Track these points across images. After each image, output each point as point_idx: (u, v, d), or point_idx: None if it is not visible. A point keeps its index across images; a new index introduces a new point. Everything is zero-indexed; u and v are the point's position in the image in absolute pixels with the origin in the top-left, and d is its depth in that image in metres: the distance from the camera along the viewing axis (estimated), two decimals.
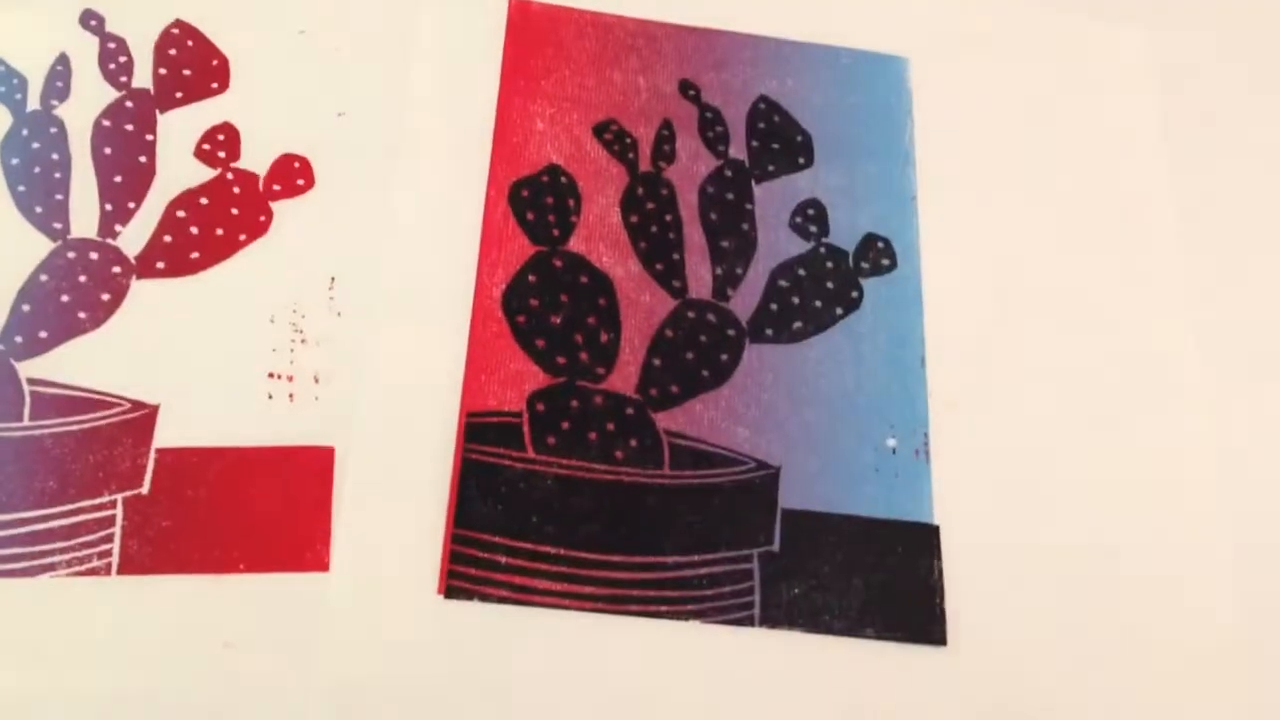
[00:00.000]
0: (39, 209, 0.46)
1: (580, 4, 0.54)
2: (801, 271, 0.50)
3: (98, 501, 0.41)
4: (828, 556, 0.44)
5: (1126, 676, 0.44)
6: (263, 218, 0.47)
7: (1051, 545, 0.45)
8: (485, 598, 0.42)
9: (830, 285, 0.50)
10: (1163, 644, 0.44)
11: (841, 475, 0.46)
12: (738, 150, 0.52)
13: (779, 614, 0.43)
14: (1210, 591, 0.45)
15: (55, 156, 0.47)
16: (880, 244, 0.51)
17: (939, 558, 0.45)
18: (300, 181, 0.48)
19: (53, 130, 0.47)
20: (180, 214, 0.47)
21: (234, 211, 0.47)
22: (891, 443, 0.47)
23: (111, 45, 0.49)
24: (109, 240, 0.46)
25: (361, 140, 0.49)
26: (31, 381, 0.43)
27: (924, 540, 0.45)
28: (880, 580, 0.44)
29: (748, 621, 0.43)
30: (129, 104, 0.48)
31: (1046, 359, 0.49)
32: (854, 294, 0.50)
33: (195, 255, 0.46)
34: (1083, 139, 0.54)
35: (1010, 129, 0.54)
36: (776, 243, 0.50)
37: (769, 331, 0.48)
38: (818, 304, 0.49)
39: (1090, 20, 0.57)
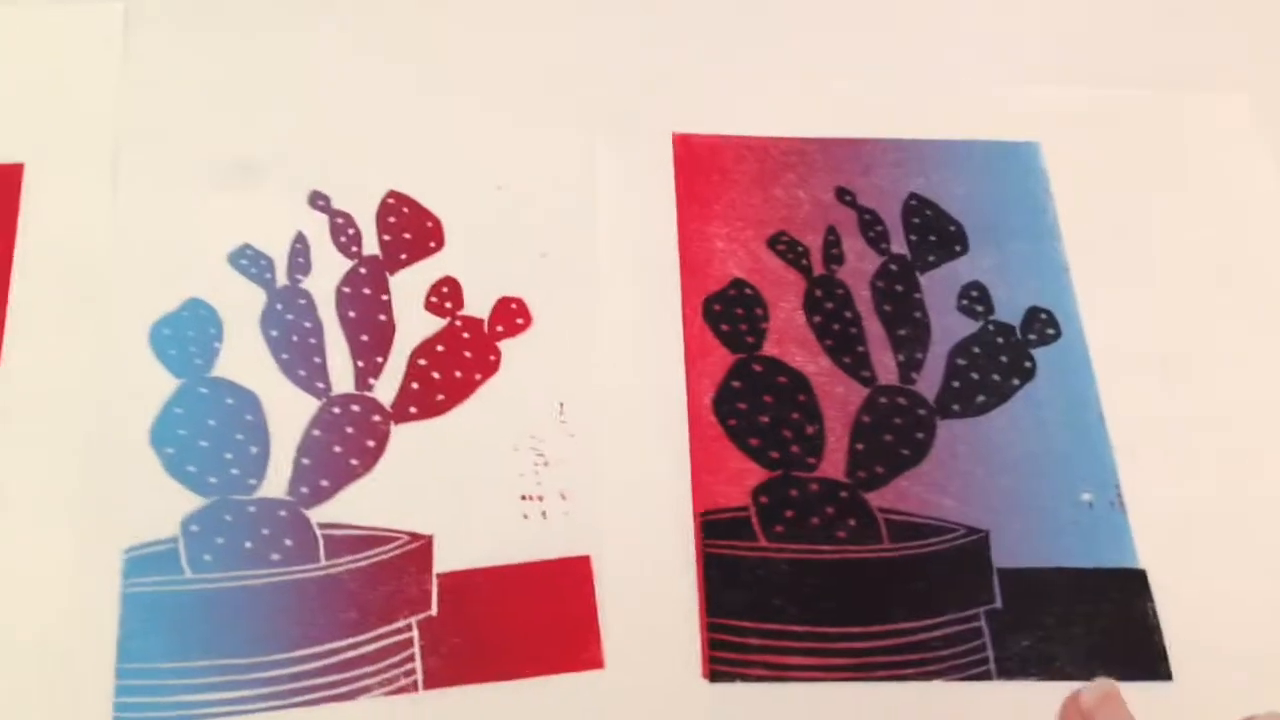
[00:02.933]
0: (302, 372, 0.52)
1: (734, 131, 0.60)
2: (976, 349, 0.54)
3: (395, 626, 0.47)
4: (1048, 608, 0.48)
5: None
6: (492, 357, 0.53)
7: (1254, 571, 0.49)
8: (745, 678, 0.47)
9: (1004, 359, 0.54)
10: None
11: (1045, 532, 0.50)
12: (898, 246, 0.57)
13: (1014, 665, 0.47)
14: None
15: (308, 324, 0.53)
16: (1043, 315, 0.55)
17: (1152, 599, 0.49)
18: (519, 320, 0.54)
19: (301, 301, 0.54)
20: (422, 362, 0.53)
21: (467, 354, 0.53)
22: (1086, 497, 0.51)
23: (339, 220, 0.56)
24: (366, 393, 0.52)
25: (565, 276, 0.55)
26: (322, 526, 0.49)
27: (1134, 584, 0.49)
28: (1101, 625, 0.48)
29: (985, 675, 0.47)
30: (363, 270, 0.55)
31: (1215, 401, 0.53)
32: (1027, 364, 0.54)
33: (441, 397, 0.52)
34: (1206, 194, 0.59)
35: (1143, 195, 0.59)
36: (948, 325, 0.55)
37: (955, 407, 0.53)
38: (995, 377, 0.54)
39: (1196, 91, 0.61)
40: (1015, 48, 0.63)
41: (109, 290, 0.53)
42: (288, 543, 0.48)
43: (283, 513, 0.49)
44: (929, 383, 0.54)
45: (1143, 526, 0.50)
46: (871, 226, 0.57)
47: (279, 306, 0.53)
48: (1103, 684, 0.36)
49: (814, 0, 0.63)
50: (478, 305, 0.54)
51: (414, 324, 0.54)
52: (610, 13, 0.62)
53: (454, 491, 0.50)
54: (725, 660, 0.47)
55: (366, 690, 0.46)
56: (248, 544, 0.48)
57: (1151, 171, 0.59)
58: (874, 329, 0.55)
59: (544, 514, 0.49)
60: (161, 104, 0.58)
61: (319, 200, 0.56)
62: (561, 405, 0.52)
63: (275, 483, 0.49)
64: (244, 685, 0.45)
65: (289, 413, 0.51)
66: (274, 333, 0.53)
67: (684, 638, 0.47)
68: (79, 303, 0.53)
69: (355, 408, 0.51)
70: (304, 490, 0.49)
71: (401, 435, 0.51)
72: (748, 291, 0.55)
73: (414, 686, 0.46)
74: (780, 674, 0.47)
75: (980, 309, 0.55)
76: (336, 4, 0.61)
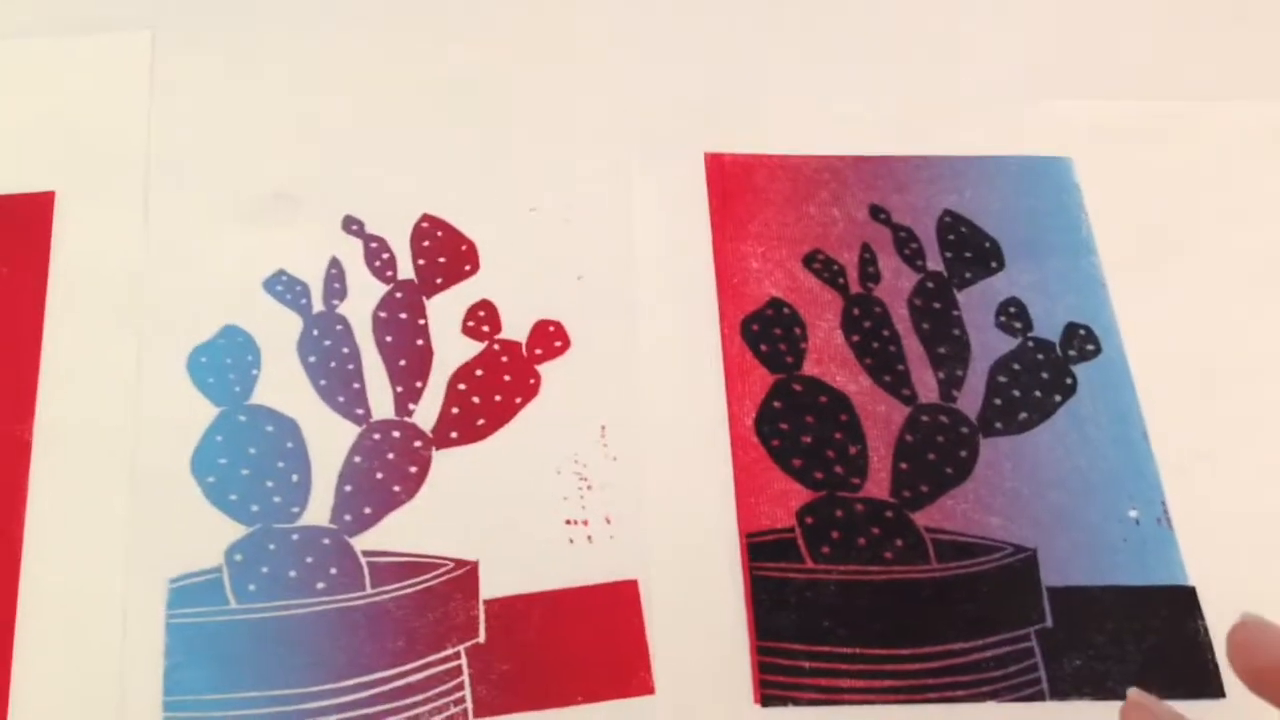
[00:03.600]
0: (341, 399, 0.52)
1: (765, 150, 0.60)
2: (1016, 366, 0.54)
3: (444, 654, 0.46)
4: (1099, 627, 0.48)
5: None
6: (531, 380, 0.53)
7: None
8: (798, 701, 0.46)
9: (1045, 375, 0.54)
10: None
11: (1093, 549, 0.50)
12: (934, 263, 0.57)
13: (1066, 686, 0.47)
14: None
15: (345, 350, 0.53)
16: (1082, 331, 0.55)
17: (1202, 616, 0.48)
18: (558, 343, 0.54)
19: (339, 327, 0.53)
20: (461, 387, 0.52)
21: (506, 378, 0.53)
22: (1133, 514, 0.51)
23: (374, 244, 0.55)
24: (406, 419, 0.51)
25: (602, 298, 0.55)
26: (366, 553, 0.48)
27: (1184, 602, 0.49)
28: (1152, 644, 0.48)
29: (1039, 696, 0.47)
30: (398, 295, 0.54)
31: (1258, 415, 0.53)
32: (1068, 381, 0.54)
33: (481, 422, 0.52)
34: (1244, 205, 0.59)
35: (1178, 208, 0.59)
36: (987, 342, 0.55)
37: (998, 425, 0.53)
38: (1037, 394, 0.53)
39: (1230, 101, 0.61)
40: (1044, 63, 0.63)
41: (144, 318, 0.53)
42: (332, 571, 0.48)
43: (326, 541, 0.48)
44: (970, 400, 0.53)
45: (1190, 543, 0.50)
46: (907, 244, 0.57)
47: (316, 332, 0.53)
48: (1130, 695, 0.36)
49: (844, 18, 0.63)
50: (515, 329, 0.54)
51: (452, 348, 0.53)
52: (641, 34, 0.62)
53: (498, 517, 0.49)
54: (776, 684, 0.47)
55: (418, 719, 0.45)
56: (292, 573, 0.48)
57: (1187, 184, 0.59)
58: (913, 347, 0.55)
59: (589, 538, 0.49)
60: (192, 131, 0.58)
61: (353, 225, 0.56)
62: (603, 428, 0.52)
63: (318, 510, 0.49)
64: (294, 717, 0.45)
65: (329, 439, 0.51)
66: (312, 359, 0.52)
67: (734, 661, 0.47)
68: (114, 330, 0.52)
69: (396, 434, 0.51)
70: (347, 518, 0.49)
71: (443, 461, 0.51)
72: (785, 311, 0.55)
73: (464, 715, 0.45)
74: (832, 697, 0.46)
75: (1019, 325, 0.55)
76: (368, 28, 0.61)
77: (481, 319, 0.54)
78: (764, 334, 0.54)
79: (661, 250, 0.56)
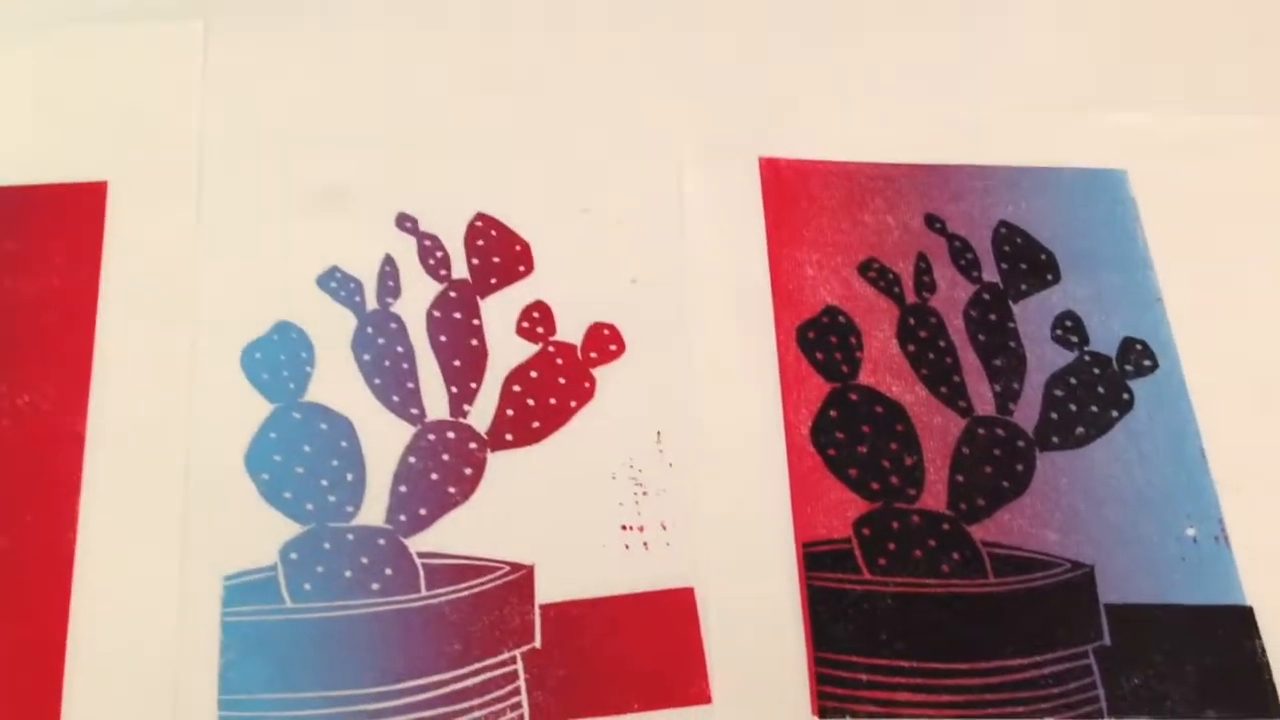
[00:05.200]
0: (396, 398, 0.51)
1: (819, 155, 0.59)
2: (1073, 380, 0.54)
3: (500, 659, 0.46)
4: (1157, 645, 0.48)
5: None
6: (587, 384, 0.52)
7: None
8: (855, 714, 0.46)
9: (1101, 390, 0.54)
10: None
11: (1151, 567, 0.50)
12: (989, 274, 0.57)
13: (1125, 705, 0.47)
14: None
15: (400, 349, 0.52)
16: (1139, 346, 0.55)
17: (1260, 636, 0.48)
18: (613, 347, 0.53)
19: (393, 326, 0.53)
20: (516, 388, 0.52)
21: (561, 381, 0.52)
22: (1191, 532, 0.50)
23: (427, 243, 0.55)
24: (461, 419, 0.51)
25: (656, 302, 0.55)
26: (421, 555, 0.48)
27: (1241, 621, 0.48)
28: (1210, 663, 0.48)
29: (1097, 715, 0.46)
30: (452, 294, 0.54)
31: None
32: (1125, 396, 0.54)
33: (536, 425, 0.51)
34: None
35: (1234, 222, 0.58)
36: (1043, 355, 0.55)
37: (1055, 439, 0.52)
38: (1094, 409, 0.53)
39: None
40: (1099, 74, 0.62)
41: (197, 311, 0.52)
42: (388, 572, 0.47)
43: (381, 541, 0.48)
44: (1026, 414, 0.53)
45: (1248, 562, 0.50)
46: (962, 254, 0.57)
47: (370, 330, 0.53)
48: None
49: (900, 24, 0.63)
50: (569, 331, 0.54)
51: (506, 349, 0.53)
52: (696, 37, 0.61)
53: (553, 521, 0.49)
54: (834, 695, 0.46)
55: None
56: (347, 573, 0.47)
57: (1242, 197, 0.59)
58: (969, 358, 0.54)
59: (645, 544, 0.49)
60: (245, 124, 0.57)
61: (406, 222, 0.55)
62: (659, 434, 0.51)
63: (373, 510, 0.49)
64: (351, 718, 0.44)
65: (383, 439, 0.50)
66: (366, 357, 0.52)
67: (791, 672, 0.47)
68: (168, 322, 0.52)
69: (451, 435, 0.51)
70: (402, 518, 0.49)
71: (498, 463, 0.50)
72: (841, 319, 0.55)
73: None
74: (890, 710, 0.46)
75: (1075, 339, 0.55)
76: (421, 24, 0.61)
77: (536, 320, 0.54)
78: (820, 342, 0.54)
79: (715, 255, 0.56)
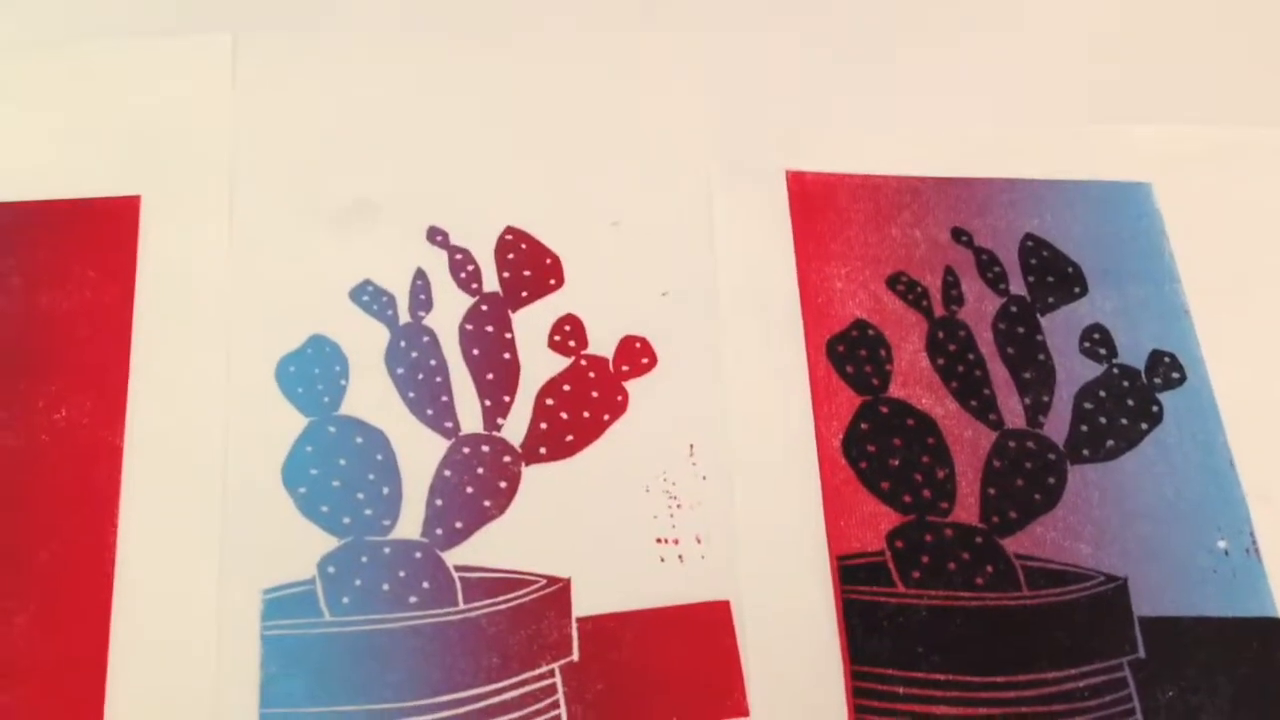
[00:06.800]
0: (430, 411, 0.51)
1: (846, 169, 0.60)
2: (1102, 393, 0.54)
3: (538, 672, 0.46)
4: (1191, 658, 0.48)
5: None
6: (619, 397, 0.53)
7: None
8: None
9: (1131, 403, 0.54)
10: None
11: (1183, 580, 0.50)
12: (1017, 287, 0.57)
13: (1160, 717, 0.47)
14: None
15: (433, 362, 0.53)
16: (1167, 359, 0.55)
17: None
18: (645, 360, 0.53)
19: (425, 339, 0.53)
20: (549, 402, 0.52)
21: (594, 394, 0.52)
22: (1222, 544, 0.51)
23: (458, 256, 0.55)
24: (495, 433, 0.51)
25: (687, 316, 0.55)
26: (458, 568, 0.48)
27: (1273, 633, 0.49)
28: (1244, 675, 0.48)
29: None
30: (484, 307, 0.54)
31: None
32: (1154, 409, 0.54)
33: (570, 438, 0.51)
34: None
35: (1258, 232, 0.59)
36: (1072, 368, 0.55)
37: (1085, 452, 0.53)
38: (1123, 422, 0.53)
39: None
40: (1124, 87, 0.63)
41: (231, 324, 0.52)
42: (425, 585, 0.48)
43: (418, 554, 0.48)
44: (1056, 427, 0.53)
45: (1279, 573, 0.50)
46: (990, 267, 0.57)
47: (403, 343, 0.53)
48: None
49: (925, 38, 0.63)
50: (601, 344, 0.54)
51: (538, 363, 0.53)
52: (724, 51, 0.61)
53: (589, 534, 0.49)
54: (871, 709, 0.46)
55: None
56: (385, 586, 0.47)
57: (1268, 209, 0.59)
58: (998, 371, 0.54)
59: (680, 557, 0.49)
60: (276, 138, 0.57)
61: (437, 236, 0.56)
62: (692, 447, 0.51)
63: (409, 524, 0.49)
64: None
65: (418, 452, 0.50)
66: (400, 371, 0.52)
67: (828, 685, 0.47)
68: (203, 336, 0.52)
69: (485, 448, 0.51)
70: (438, 532, 0.49)
71: (532, 476, 0.50)
72: (870, 332, 0.55)
73: None
74: None
75: (1103, 352, 0.55)
76: (450, 39, 0.61)
77: (568, 333, 0.54)
78: (849, 355, 0.54)
79: (745, 268, 0.56)
